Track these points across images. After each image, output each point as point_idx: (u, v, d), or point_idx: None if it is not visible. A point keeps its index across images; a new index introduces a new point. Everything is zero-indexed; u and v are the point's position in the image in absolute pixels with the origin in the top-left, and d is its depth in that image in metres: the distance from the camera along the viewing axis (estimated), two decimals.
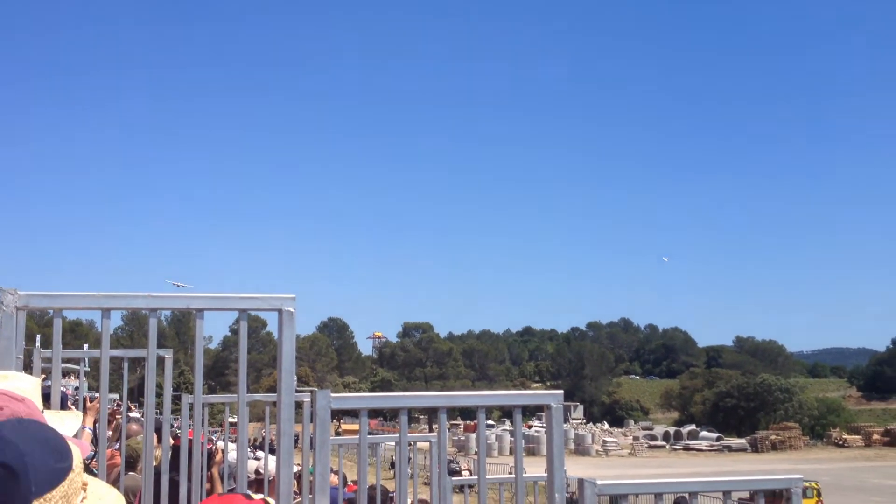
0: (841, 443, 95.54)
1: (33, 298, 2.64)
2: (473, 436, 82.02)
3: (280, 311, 2.86)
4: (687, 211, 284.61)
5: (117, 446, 5.61)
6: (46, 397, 2.79)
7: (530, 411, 3.25)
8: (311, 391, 3.99)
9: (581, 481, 3.06)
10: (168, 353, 4.54)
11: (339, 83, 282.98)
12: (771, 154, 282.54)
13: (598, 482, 3.07)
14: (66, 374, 7.19)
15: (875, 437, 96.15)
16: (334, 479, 7.10)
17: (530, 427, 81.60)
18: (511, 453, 73.20)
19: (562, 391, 3.14)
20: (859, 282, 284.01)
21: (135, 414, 10.89)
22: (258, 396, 5.03)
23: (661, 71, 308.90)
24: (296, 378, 2.90)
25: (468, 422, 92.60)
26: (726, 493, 3.29)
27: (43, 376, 3.02)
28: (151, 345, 2.88)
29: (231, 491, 6.15)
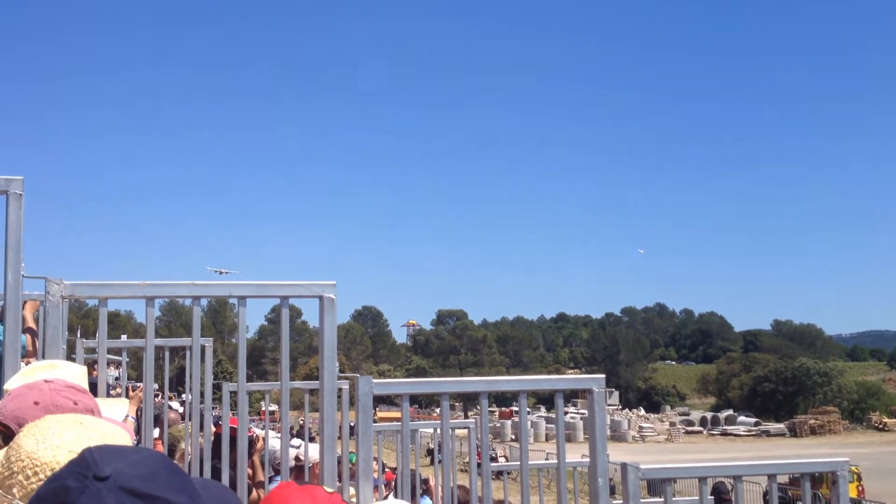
0: (881, 426, 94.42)
1: (78, 288, 2.67)
2: (509, 422, 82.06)
3: (321, 298, 2.87)
4: (722, 194, 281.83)
5: (157, 434, 5.68)
6: (92, 386, 2.83)
7: (566, 397, 3.23)
8: (352, 377, 4.01)
9: (624, 465, 3.04)
10: (208, 342, 4.59)
11: (375, 77, 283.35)
12: (807, 137, 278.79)
13: (642, 466, 3.05)
14: (107, 363, 7.29)
15: None
16: (374, 465, 7.13)
17: (566, 413, 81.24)
18: (546, 440, 73.27)
19: (603, 375, 3.12)
20: None
21: (175, 404, 11.02)
22: (300, 384, 5.06)
23: (690, 53, 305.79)
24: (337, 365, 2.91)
25: (503, 408, 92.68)
26: (771, 477, 3.25)
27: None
28: (196, 333, 2.90)
29: (271, 479, 6.20)
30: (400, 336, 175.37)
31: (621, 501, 3.30)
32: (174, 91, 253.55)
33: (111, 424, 1.94)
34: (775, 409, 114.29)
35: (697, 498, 3.33)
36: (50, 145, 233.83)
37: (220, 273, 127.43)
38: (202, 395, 4.24)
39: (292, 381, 3.36)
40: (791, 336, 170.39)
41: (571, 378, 3.01)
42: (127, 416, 5.70)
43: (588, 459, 8.08)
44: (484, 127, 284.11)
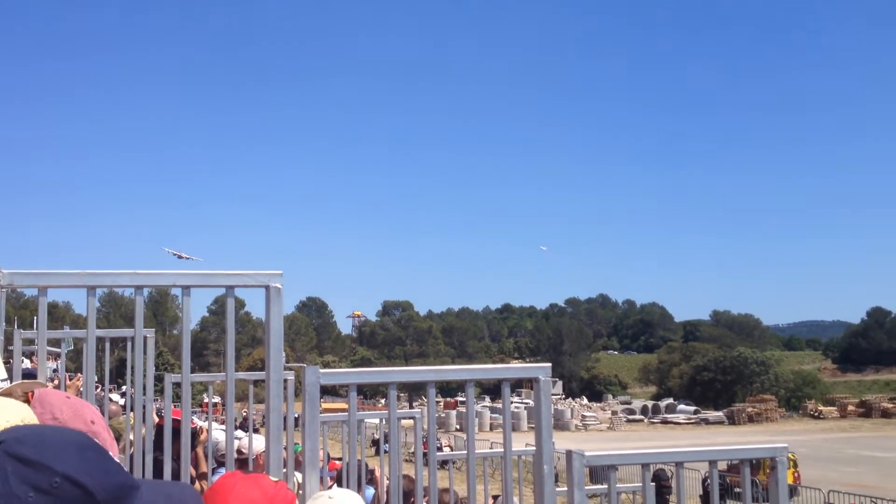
0: (816, 414, 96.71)
1: (17, 276, 2.60)
2: (454, 412, 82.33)
3: (267, 288, 2.84)
4: (662, 186, 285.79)
5: None
6: (31, 377, 2.76)
7: (511, 387, 3.24)
8: (298, 367, 3.98)
9: (569, 453, 3.06)
10: (150, 333, 4.51)
11: (322, 56, 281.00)
12: (745, 129, 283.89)
13: (587, 454, 3.08)
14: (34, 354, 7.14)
15: (850, 408, 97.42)
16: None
17: (511, 402, 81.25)
18: (491, 429, 73.60)
19: (549, 365, 3.14)
20: (834, 255, 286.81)
21: (115, 396, 10.84)
22: (245, 375, 5.00)
23: (642, 48, 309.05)
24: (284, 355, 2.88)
25: (448, 399, 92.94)
26: (712, 463, 3.31)
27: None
28: (138, 323, 2.85)
29: (214, 471, 6.13)
30: (345, 327, 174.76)
31: (565, 488, 3.33)
32: (112, 73, 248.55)
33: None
34: (714, 398, 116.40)
35: (640, 484, 3.38)
36: None
37: (181, 257, 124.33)
38: (144, 386, 4.18)
39: (236, 372, 3.32)
40: (730, 326, 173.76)
41: (518, 367, 3.03)
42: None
43: (533, 448, 8.14)
44: (430, 120, 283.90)
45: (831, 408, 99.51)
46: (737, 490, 25.50)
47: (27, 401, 2.10)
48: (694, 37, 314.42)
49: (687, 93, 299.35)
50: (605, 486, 3.28)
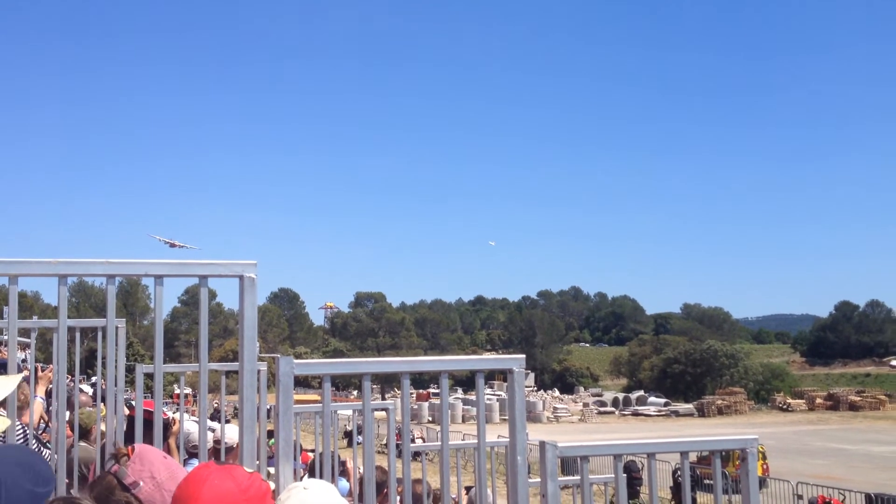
0: (785, 407, 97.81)
1: None
2: (426, 404, 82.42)
3: (241, 278, 2.82)
4: (634, 180, 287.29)
5: (68, 417, 5.53)
6: (2, 366, 2.73)
7: (485, 379, 3.25)
8: (270, 358, 3.96)
9: (542, 444, 3.08)
10: (120, 323, 4.47)
11: (296, 42, 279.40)
12: (715, 123, 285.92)
13: (559, 444, 3.10)
14: (5, 343, 7.05)
15: (818, 401, 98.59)
16: None
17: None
18: (462, 421, 73.78)
19: (523, 356, 3.15)
20: (803, 249, 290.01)
21: (85, 386, 10.74)
22: (217, 365, 4.97)
23: (618, 44, 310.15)
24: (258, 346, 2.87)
25: (420, 390, 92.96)
26: (683, 454, 3.34)
27: None
28: (110, 312, 2.82)
29: (186, 462, 6.10)
30: (317, 318, 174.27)
31: (538, 480, 3.34)
32: (83, 56, 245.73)
33: None
34: (684, 390, 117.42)
35: (612, 475, 3.40)
36: None
37: (173, 246, 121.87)
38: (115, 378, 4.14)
39: (208, 363, 3.30)
40: (700, 319, 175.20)
41: (492, 358, 3.03)
42: (36, 397, 5.51)
43: (505, 439, 8.14)
44: (401, 109, 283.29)
45: (800, 400, 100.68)
46: (706, 482, 25.76)
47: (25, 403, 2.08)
48: (663, 22, 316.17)
49: (659, 85, 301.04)
50: (578, 478, 3.30)
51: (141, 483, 2.36)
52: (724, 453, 3.49)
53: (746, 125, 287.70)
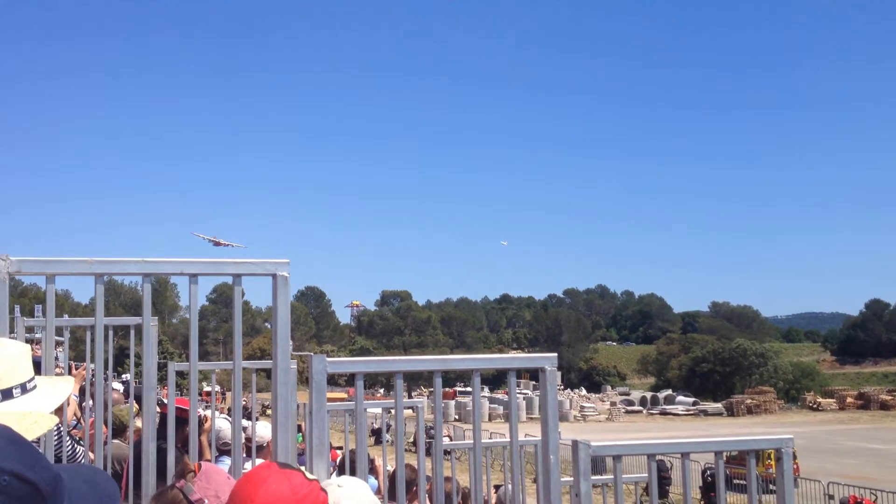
0: (815, 406, 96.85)
1: (25, 264, 2.59)
2: (452, 402, 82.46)
3: (274, 276, 2.83)
4: (663, 177, 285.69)
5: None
6: (36, 365, 2.76)
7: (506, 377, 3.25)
8: (301, 356, 3.97)
9: (575, 443, 3.07)
10: (154, 322, 4.50)
11: (324, 47, 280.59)
12: (743, 120, 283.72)
13: (592, 444, 3.08)
14: (40, 342, 7.15)
15: (849, 400, 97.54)
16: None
17: (506, 393, 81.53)
18: (490, 419, 73.75)
19: (555, 354, 3.14)
20: (833, 247, 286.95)
21: (116, 384, 10.84)
22: (251, 363, 4.99)
23: (635, 35, 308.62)
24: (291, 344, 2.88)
25: (447, 388, 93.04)
26: (718, 454, 3.31)
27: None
28: (146, 311, 2.84)
29: (217, 459, 6.14)
30: (344, 317, 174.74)
31: (570, 479, 3.33)
32: (119, 58, 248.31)
33: None
34: (713, 389, 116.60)
35: (645, 475, 3.38)
36: None
37: (217, 244, 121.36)
38: (140, 375, 4.18)
39: (232, 361, 3.32)
40: (728, 317, 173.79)
41: (524, 357, 3.02)
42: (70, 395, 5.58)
43: (533, 438, 8.14)
44: (432, 112, 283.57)
45: (830, 400, 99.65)
46: (735, 481, 25.58)
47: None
48: (694, 31, 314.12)
49: (686, 85, 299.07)
50: (611, 477, 3.29)
51: (206, 501, 2.39)
52: (756, 453, 3.46)
53: (775, 125, 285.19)
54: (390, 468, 6.58)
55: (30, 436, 1.90)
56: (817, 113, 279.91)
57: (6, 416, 1.90)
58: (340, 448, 12.81)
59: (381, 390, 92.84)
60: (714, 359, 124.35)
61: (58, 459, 3.77)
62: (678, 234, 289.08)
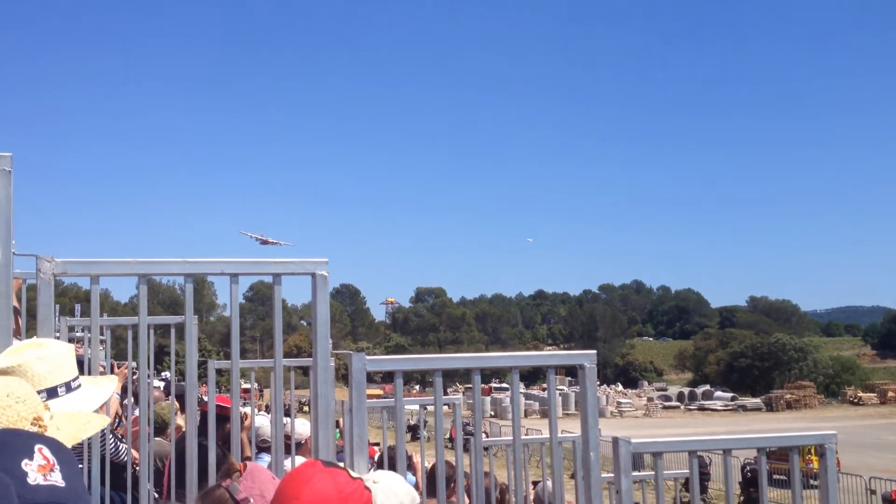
0: (856, 401, 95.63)
1: (70, 265, 2.64)
2: (488, 399, 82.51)
3: (313, 276, 2.86)
4: (698, 171, 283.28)
5: (138, 412, 5.65)
6: (80, 364, 2.81)
7: (544, 374, 3.25)
8: (339, 354, 4.00)
9: (616, 440, 3.06)
10: (194, 320, 4.56)
11: (365, 56, 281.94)
12: (783, 114, 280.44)
13: (633, 440, 3.07)
14: (81, 341, 7.27)
15: (890, 394, 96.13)
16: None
17: (544, 390, 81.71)
18: (525, 416, 73.68)
19: (594, 352, 3.14)
20: (873, 239, 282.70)
21: (156, 382, 10.97)
22: (293, 361, 5.04)
23: (667, 30, 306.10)
24: (330, 343, 2.90)
25: (482, 385, 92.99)
26: (760, 450, 3.28)
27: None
28: (189, 310, 2.88)
29: (257, 457, 6.19)
30: (379, 314, 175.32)
31: (610, 475, 3.32)
32: (164, 67, 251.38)
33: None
34: (751, 384, 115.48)
35: (687, 471, 3.36)
36: (37, 120, 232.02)
37: (265, 242, 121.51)
38: (182, 372, 4.23)
39: (270, 359, 3.36)
40: (767, 312, 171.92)
41: (563, 354, 3.02)
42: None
43: (569, 434, 8.08)
44: (463, 106, 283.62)
45: (871, 394, 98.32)
46: (775, 476, 25.32)
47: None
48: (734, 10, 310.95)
49: (719, 75, 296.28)
50: (651, 473, 3.27)
51: (251, 500, 2.41)
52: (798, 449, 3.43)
53: (813, 113, 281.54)
54: (428, 465, 6.60)
55: (82, 435, 1.93)
56: (851, 100, 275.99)
57: (60, 416, 1.94)
58: (377, 444, 12.89)
59: (417, 387, 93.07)
60: (752, 354, 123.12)
61: (102, 457, 3.84)
62: (715, 228, 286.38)
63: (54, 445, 1.49)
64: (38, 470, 1.40)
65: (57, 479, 1.41)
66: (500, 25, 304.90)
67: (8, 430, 1.55)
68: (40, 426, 1.80)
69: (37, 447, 1.44)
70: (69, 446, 1.87)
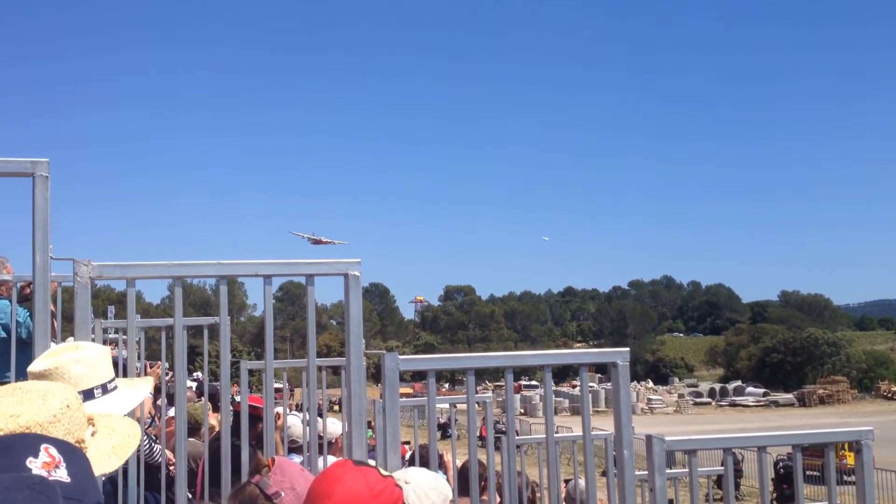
0: (890, 395, 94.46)
1: (106, 269, 2.68)
2: (517, 396, 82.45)
3: (346, 276, 2.88)
4: (728, 165, 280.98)
5: (171, 412, 5.70)
6: (116, 365, 2.85)
7: (574, 371, 3.26)
8: (372, 354, 4.02)
9: (649, 437, 3.05)
10: (226, 321, 4.60)
11: (391, 49, 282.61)
12: (809, 107, 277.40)
13: (667, 438, 3.06)
14: (115, 343, 7.35)
15: None
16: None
17: (574, 387, 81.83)
18: (556, 413, 73.48)
19: (627, 349, 3.13)
20: None
21: (188, 383, 11.06)
22: (326, 361, 5.07)
23: (689, 22, 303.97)
24: (364, 342, 2.92)
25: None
26: (795, 447, 3.26)
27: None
28: (223, 311, 2.91)
29: (288, 458, 6.23)
30: (408, 312, 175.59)
31: (643, 472, 3.31)
32: (196, 68, 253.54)
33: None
34: (784, 380, 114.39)
35: (721, 468, 3.35)
36: (74, 126, 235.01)
37: (318, 242, 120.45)
38: (214, 374, 4.27)
39: (301, 359, 3.38)
40: (799, 307, 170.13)
41: (596, 352, 3.02)
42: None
43: (601, 432, 8.05)
44: (489, 101, 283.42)
45: None
46: (808, 472, 25.07)
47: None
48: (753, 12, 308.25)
49: (752, 71, 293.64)
50: (685, 471, 3.26)
51: (282, 494, 2.44)
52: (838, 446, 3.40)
53: (845, 102, 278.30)
54: (459, 463, 6.62)
55: (123, 455, 1.96)
56: (879, 95, 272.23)
57: (101, 418, 1.97)
58: (408, 443, 12.92)
59: (447, 385, 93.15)
60: (785, 349, 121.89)
61: (136, 458, 3.91)
62: (745, 223, 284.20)
63: (62, 445, 1.51)
64: (43, 466, 1.42)
65: (62, 475, 1.42)
66: (551, 15, 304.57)
67: (14, 433, 1.57)
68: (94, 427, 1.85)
69: (42, 446, 1.46)
70: (121, 461, 1.90)
